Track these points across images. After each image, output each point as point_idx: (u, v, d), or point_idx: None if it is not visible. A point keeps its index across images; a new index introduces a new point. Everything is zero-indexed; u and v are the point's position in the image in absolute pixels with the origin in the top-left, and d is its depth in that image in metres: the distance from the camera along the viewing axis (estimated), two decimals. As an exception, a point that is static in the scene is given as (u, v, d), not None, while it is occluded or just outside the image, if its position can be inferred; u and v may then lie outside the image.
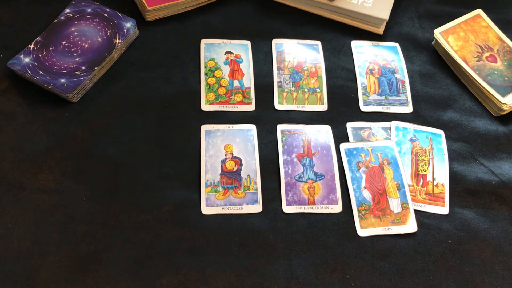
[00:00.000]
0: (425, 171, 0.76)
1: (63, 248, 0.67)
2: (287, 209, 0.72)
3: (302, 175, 0.75)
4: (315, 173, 0.75)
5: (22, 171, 0.72)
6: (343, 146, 0.77)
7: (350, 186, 0.74)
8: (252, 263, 0.68)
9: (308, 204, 0.72)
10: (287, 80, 0.84)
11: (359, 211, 0.72)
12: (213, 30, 0.89)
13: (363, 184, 0.74)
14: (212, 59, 0.85)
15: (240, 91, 0.82)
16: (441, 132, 0.80)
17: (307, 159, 0.76)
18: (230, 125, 0.79)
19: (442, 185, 0.75)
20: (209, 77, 0.83)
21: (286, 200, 0.73)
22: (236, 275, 0.66)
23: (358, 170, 0.75)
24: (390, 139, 0.79)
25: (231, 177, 0.74)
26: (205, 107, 0.80)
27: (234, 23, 0.90)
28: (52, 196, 0.70)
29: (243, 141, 0.77)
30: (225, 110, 0.80)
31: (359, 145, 0.77)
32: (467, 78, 0.85)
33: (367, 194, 0.73)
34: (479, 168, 0.78)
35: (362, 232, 0.71)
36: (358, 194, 0.73)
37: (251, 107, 0.81)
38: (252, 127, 0.79)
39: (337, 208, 0.73)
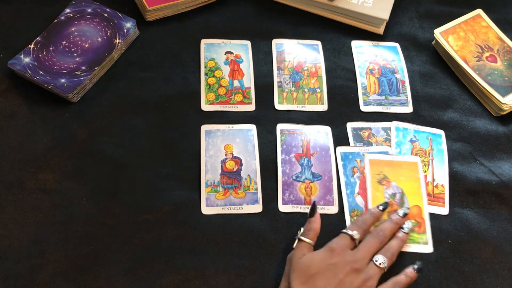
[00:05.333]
0: (425, 172, 0.76)
1: (63, 248, 0.67)
2: (283, 208, 0.72)
3: (300, 175, 0.75)
4: (313, 174, 0.75)
5: (22, 171, 0.72)
6: (339, 150, 0.77)
7: (343, 191, 0.73)
8: (252, 263, 0.68)
9: (305, 204, 0.72)
10: (287, 80, 0.84)
11: (351, 217, 0.71)
12: (213, 30, 0.89)
13: (356, 190, 0.73)
14: (212, 59, 0.85)
15: (240, 91, 0.82)
16: (441, 132, 0.80)
17: (305, 159, 0.76)
18: (230, 125, 0.79)
19: (442, 186, 0.75)
20: (209, 77, 0.83)
21: (283, 199, 0.72)
22: (236, 275, 0.66)
23: (353, 176, 0.74)
24: (390, 139, 0.78)
25: (231, 177, 0.74)
26: (205, 107, 0.80)
27: (234, 23, 0.90)
28: (52, 196, 0.71)
29: (243, 141, 0.77)
30: (225, 110, 0.80)
31: (355, 149, 0.77)
32: (467, 78, 0.85)
33: (360, 200, 0.73)
34: (479, 168, 0.77)
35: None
36: (351, 200, 0.73)
37: (251, 107, 0.81)
38: (252, 127, 0.79)
39: (334, 209, 0.72)
